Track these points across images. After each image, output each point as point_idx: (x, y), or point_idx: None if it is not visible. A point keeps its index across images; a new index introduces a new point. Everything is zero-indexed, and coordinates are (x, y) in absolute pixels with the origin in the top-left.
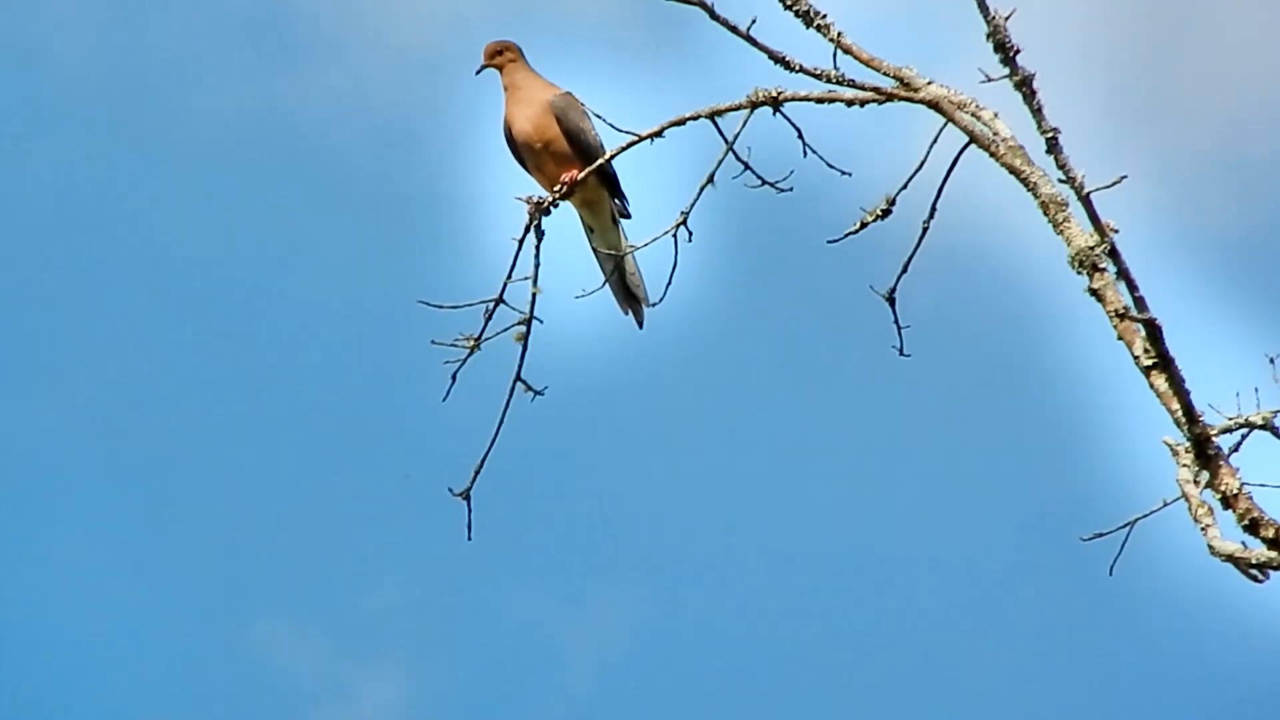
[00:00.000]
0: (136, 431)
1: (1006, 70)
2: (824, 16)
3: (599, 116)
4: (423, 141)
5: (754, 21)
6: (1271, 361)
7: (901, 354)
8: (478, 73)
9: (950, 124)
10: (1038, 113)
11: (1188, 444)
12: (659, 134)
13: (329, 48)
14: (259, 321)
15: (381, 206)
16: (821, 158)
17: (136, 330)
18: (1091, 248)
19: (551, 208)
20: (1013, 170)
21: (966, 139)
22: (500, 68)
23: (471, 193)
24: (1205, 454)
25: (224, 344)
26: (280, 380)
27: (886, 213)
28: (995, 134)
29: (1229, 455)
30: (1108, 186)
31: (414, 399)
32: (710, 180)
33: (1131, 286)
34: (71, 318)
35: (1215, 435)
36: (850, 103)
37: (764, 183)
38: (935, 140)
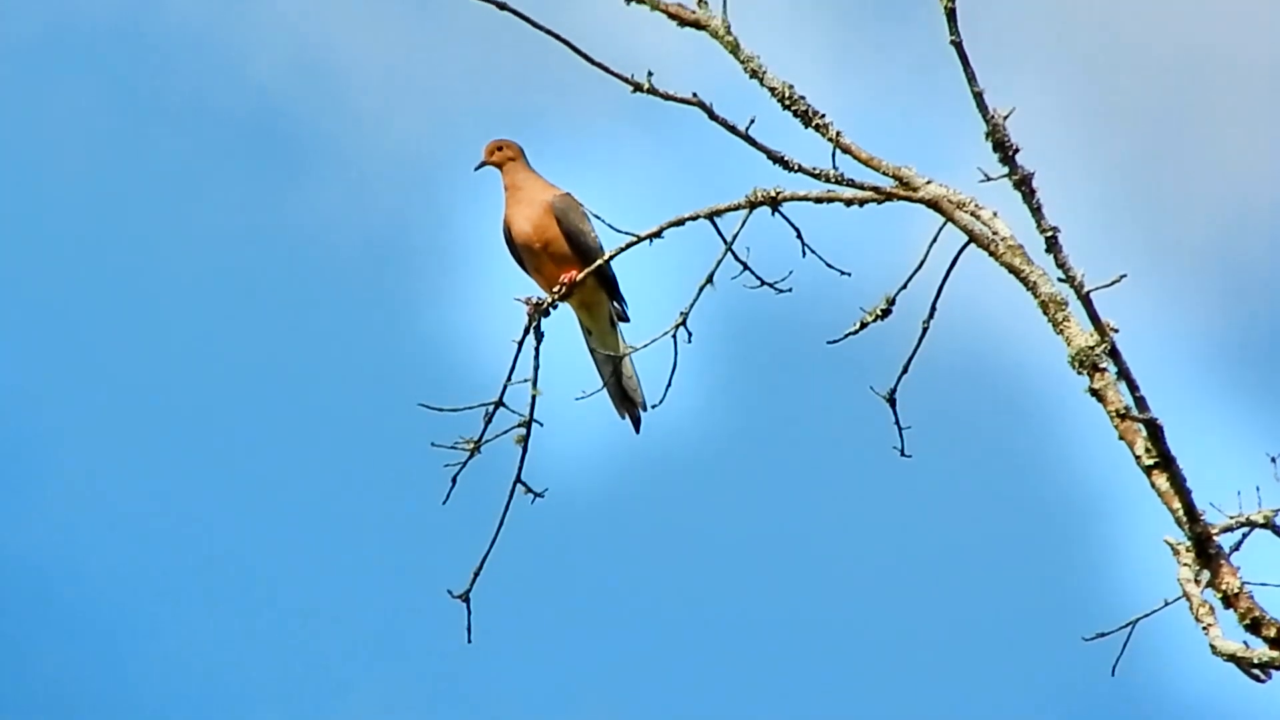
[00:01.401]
0: (133, 529)
1: (1005, 169)
2: (822, 116)
3: (598, 217)
4: (421, 244)
5: (753, 121)
6: (1272, 460)
7: (903, 455)
8: (477, 169)
9: (950, 223)
10: (1037, 211)
11: (1189, 543)
12: (658, 234)
13: (328, 156)
14: (260, 427)
15: (381, 310)
16: (821, 258)
17: (134, 438)
18: (1092, 347)
19: (551, 309)
20: (1012, 269)
21: (966, 238)
22: (500, 165)
23: (470, 295)
24: (1206, 553)
25: (225, 449)
26: (281, 483)
27: (886, 313)
28: (995, 233)
29: (1230, 554)
30: (1107, 285)
31: (414, 501)
32: (709, 281)
33: (1132, 386)
34: (67, 426)
35: (1216, 534)
36: (849, 202)
37: (763, 283)
38: (935, 239)
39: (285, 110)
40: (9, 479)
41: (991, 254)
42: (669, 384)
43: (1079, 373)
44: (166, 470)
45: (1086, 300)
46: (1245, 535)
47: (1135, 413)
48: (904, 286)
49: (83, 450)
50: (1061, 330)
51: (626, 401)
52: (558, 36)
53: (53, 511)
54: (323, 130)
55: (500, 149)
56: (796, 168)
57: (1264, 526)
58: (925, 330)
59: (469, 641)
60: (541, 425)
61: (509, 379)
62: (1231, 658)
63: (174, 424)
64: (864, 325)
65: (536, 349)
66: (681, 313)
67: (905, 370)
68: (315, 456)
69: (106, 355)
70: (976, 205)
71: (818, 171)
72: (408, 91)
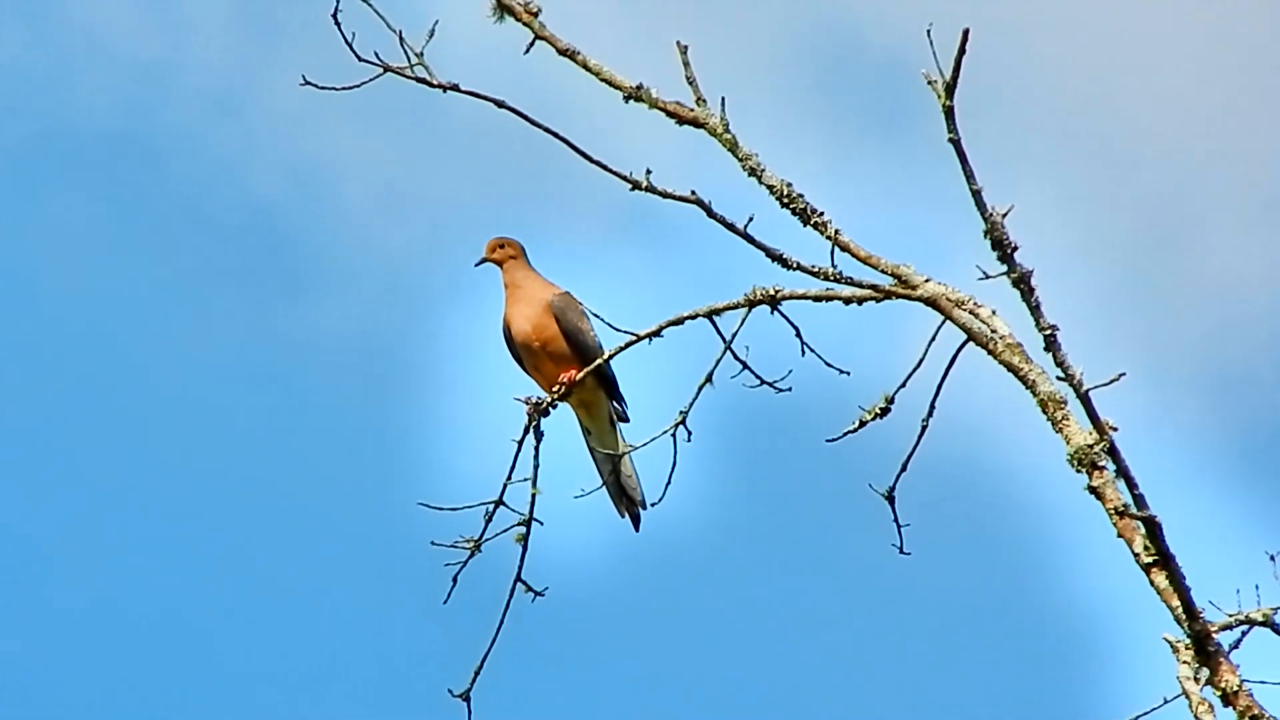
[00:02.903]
0: (135, 640)
1: (1004, 267)
2: (821, 213)
3: (597, 316)
4: (418, 348)
5: (751, 219)
6: (1271, 558)
7: (902, 552)
8: (477, 265)
9: (948, 321)
10: (1035, 310)
11: (1188, 641)
12: (657, 333)
13: (323, 264)
14: (260, 532)
15: (379, 412)
16: (820, 356)
17: (132, 549)
18: (1090, 445)
19: (550, 409)
20: (1011, 368)
21: (965, 336)
22: (500, 263)
23: (469, 396)
24: (1206, 651)
25: (225, 556)
26: (282, 586)
27: (885, 411)
28: (993, 331)
29: (1229, 652)
30: (1106, 384)
31: (415, 600)
32: (709, 380)
33: (1131, 484)
34: (62, 536)
35: (1216, 632)
36: (848, 300)
37: (762, 382)
38: (934, 338)
39: (280, 218)
40: (6, 587)
41: (990, 352)
42: (668, 482)
43: (1078, 471)
44: (168, 580)
45: (1085, 398)
46: (1244, 633)
47: (1134, 510)
48: (903, 385)
49: (80, 562)
50: (1060, 428)
51: (626, 500)
52: (556, 134)
53: (52, 621)
54: (318, 238)
55: (501, 246)
56: (795, 266)
57: (1263, 624)
58: (924, 428)
59: None
60: (541, 524)
61: (509, 478)
62: None
63: (173, 534)
64: (863, 424)
65: (536, 448)
66: (681, 411)
67: (904, 468)
68: (316, 559)
69: (101, 465)
70: (975, 303)
71: (816, 270)
72: (404, 197)
